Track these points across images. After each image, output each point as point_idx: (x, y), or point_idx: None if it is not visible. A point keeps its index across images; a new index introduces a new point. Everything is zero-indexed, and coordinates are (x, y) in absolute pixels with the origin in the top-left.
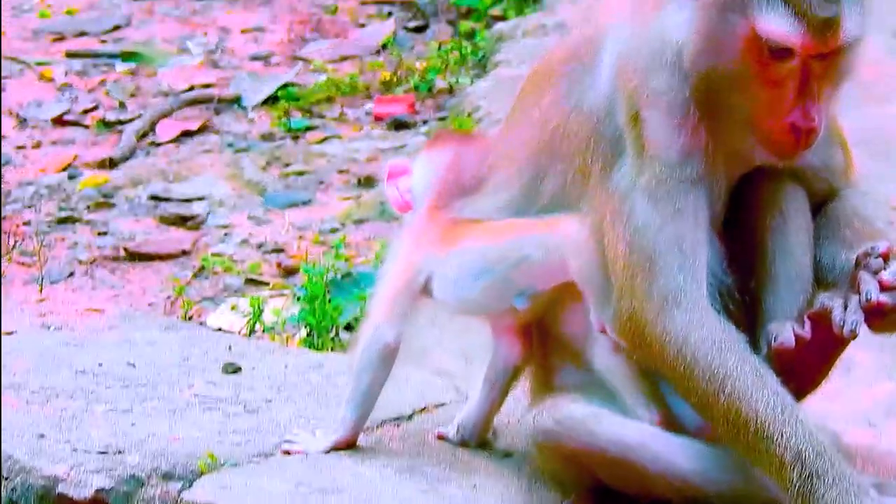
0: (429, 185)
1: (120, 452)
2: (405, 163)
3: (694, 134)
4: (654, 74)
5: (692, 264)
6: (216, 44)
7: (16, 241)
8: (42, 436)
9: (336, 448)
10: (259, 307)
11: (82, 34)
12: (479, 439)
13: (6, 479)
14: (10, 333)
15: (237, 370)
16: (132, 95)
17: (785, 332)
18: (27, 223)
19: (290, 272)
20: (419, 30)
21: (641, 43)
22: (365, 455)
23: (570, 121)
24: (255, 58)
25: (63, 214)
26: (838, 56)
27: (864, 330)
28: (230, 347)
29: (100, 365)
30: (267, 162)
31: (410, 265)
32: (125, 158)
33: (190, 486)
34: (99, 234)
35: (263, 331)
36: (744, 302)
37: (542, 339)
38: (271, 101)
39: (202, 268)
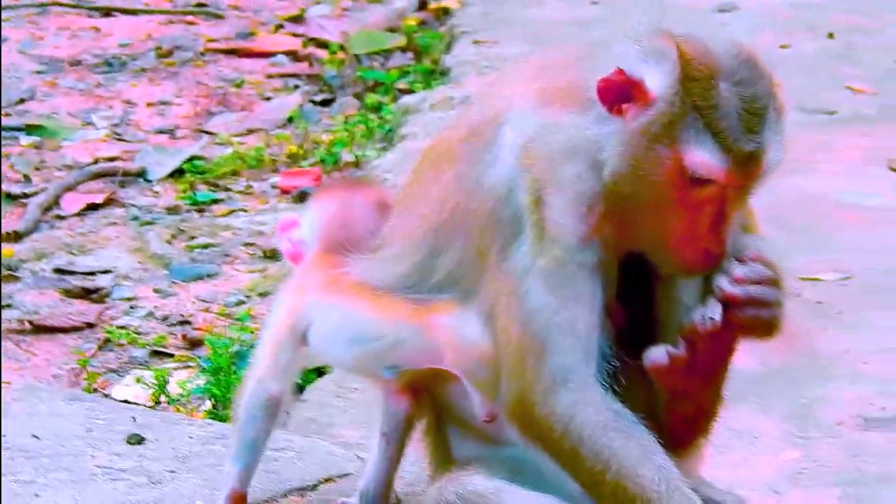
0: (316, 234)
1: None
2: (295, 216)
3: (597, 224)
4: (563, 164)
5: (584, 346)
6: (121, 117)
7: None
8: None
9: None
10: (164, 379)
11: None
12: (383, 492)
13: None
14: None
15: (141, 441)
16: (37, 169)
17: (657, 351)
18: None
19: (195, 344)
20: (326, 103)
21: (551, 133)
22: None
23: (469, 199)
24: (160, 131)
25: None
26: (756, 183)
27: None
28: (134, 419)
29: (3, 437)
30: (172, 235)
31: (294, 310)
32: (29, 232)
33: None
34: (4, 306)
35: (168, 402)
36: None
37: (433, 407)
38: (177, 174)
39: (107, 340)
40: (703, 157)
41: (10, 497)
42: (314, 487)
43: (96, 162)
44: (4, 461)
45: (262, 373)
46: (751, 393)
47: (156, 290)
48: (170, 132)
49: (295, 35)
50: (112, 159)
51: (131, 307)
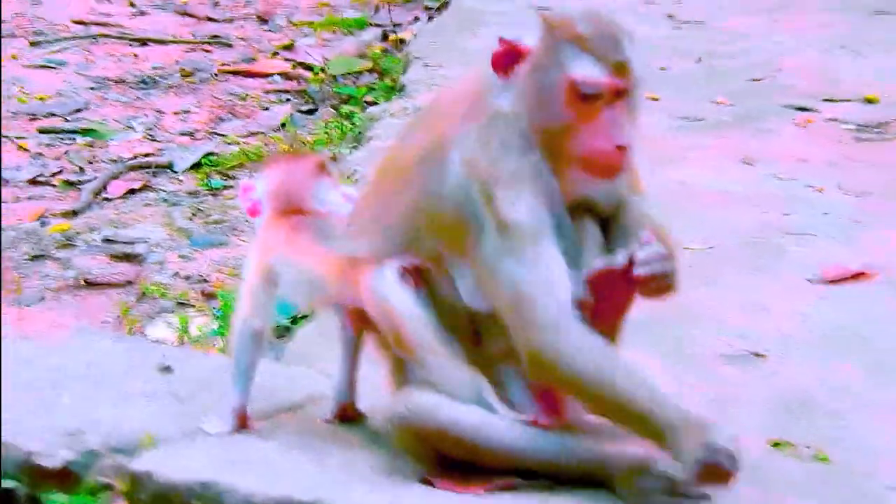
0: (267, 195)
1: (81, 433)
2: (252, 181)
3: (544, 193)
4: (497, 163)
5: (559, 298)
6: (153, 123)
7: None
8: (21, 421)
9: (235, 417)
10: (186, 323)
11: (51, 115)
12: (349, 399)
13: None
14: None
15: (169, 370)
16: (89, 162)
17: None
18: (10, 259)
19: (210, 297)
20: (310, 112)
21: (480, 142)
22: (265, 435)
23: (436, 208)
24: (183, 133)
25: (36, 253)
26: (631, 91)
27: None
28: (164, 354)
29: (65, 367)
30: (193, 213)
31: (263, 264)
32: (83, 210)
33: (134, 457)
34: (64, 268)
35: (190, 341)
36: None
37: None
38: (196, 166)
39: (143, 294)
40: (586, 71)
41: (71, 412)
42: (301, 407)
43: (135, 157)
44: (68, 386)
45: (245, 313)
46: (636, 335)
47: (180, 256)
48: (190, 134)
49: (286, 60)
50: (147, 155)
51: (161, 268)
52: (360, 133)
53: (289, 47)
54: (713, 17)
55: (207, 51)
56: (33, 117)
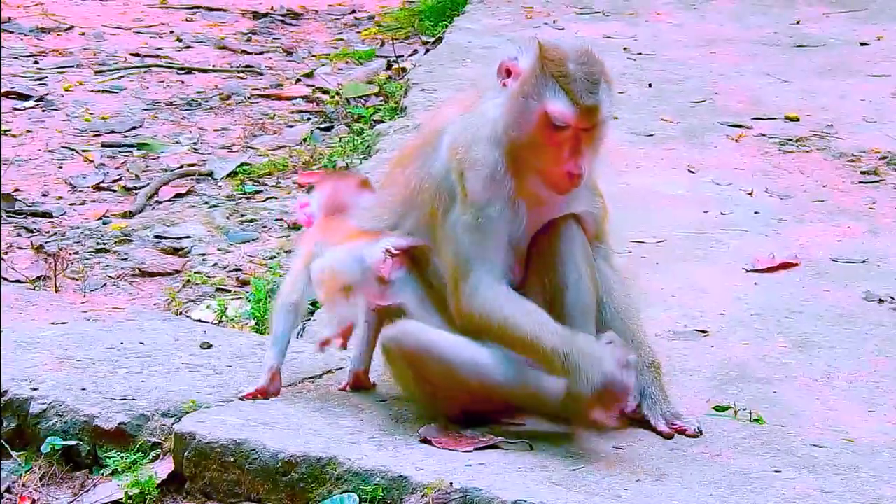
0: (319, 206)
1: (134, 399)
2: (307, 197)
3: (500, 185)
4: (473, 151)
5: (492, 267)
6: (197, 138)
7: (67, 264)
8: (84, 389)
9: (269, 374)
10: (224, 306)
11: (112, 132)
12: (363, 367)
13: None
14: (64, 323)
15: (210, 346)
16: (143, 171)
17: None
18: (76, 252)
19: (244, 283)
20: (327, 129)
21: (465, 133)
22: (290, 400)
23: (423, 182)
24: (222, 147)
25: (98, 247)
26: (597, 129)
27: None
28: (205, 332)
29: (121, 343)
30: (230, 214)
31: (306, 253)
32: (139, 211)
33: (179, 420)
34: (122, 259)
35: (227, 321)
36: None
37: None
38: (233, 174)
39: (188, 281)
40: (559, 109)
41: (125, 381)
42: (320, 376)
43: (181, 167)
44: (123, 359)
45: (286, 290)
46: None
47: (219, 249)
48: (228, 147)
49: (308, 86)
50: (192, 165)
51: (203, 260)
52: (368, 146)
53: (309, 75)
54: (662, 50)
55: (242, 78)
56: (97, 134)
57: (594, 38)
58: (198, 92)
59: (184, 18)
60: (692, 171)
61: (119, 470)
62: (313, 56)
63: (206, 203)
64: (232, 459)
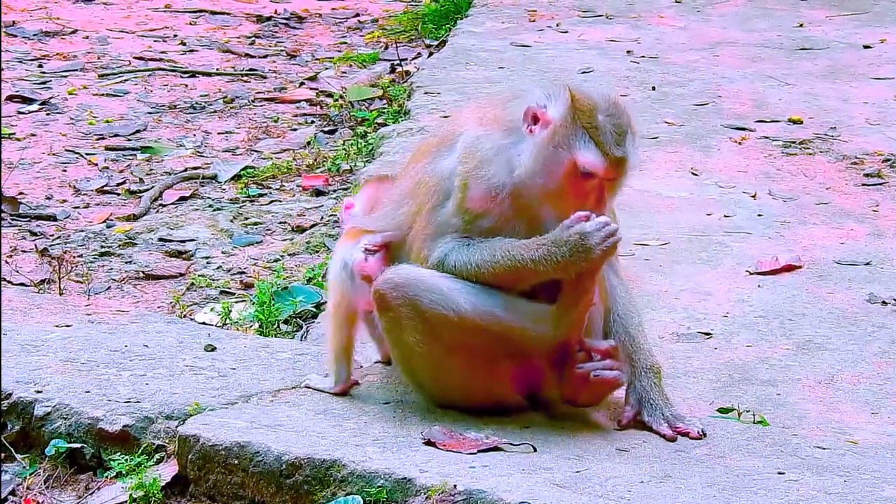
0: (362, 207)
1: (138, 402)
2: (352, 199)
3: (499, 205)
4: (483, 166)
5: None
6: (201, 141)
7: (72, 267)
8: (88, 391)
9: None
10: (228, 309)
11: (116, 135)
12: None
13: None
14: (68, 326)
15: (213, 349)
16: (147, 174)
17: None
18: (80, 256)
19: (248, 286)
20: (331, 132)
21: (480, 144)
22: (294, 403)
23: (426, 178)
24: (226, 150)
25: (103, 250)
26: (622, 178)
27: None
28: (209, 335)
29: (126, 346)
30: (234, 216)
31: (338, 258)
32: (143, 214)
33: (183, 423)
34: (126, 262)
35: (231, 324)
36: None
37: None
38: (237, 177)
39: (192, 284)
40: (589, 159)
41: (130, 384)
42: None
43: (185, 170)
44: (128, 361)
45: (335, 301)
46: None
47: (223, 252)
48: (232, 151)
49: (311, 89)
50: (195, 168)
51: (207, 263)
52: (372, 149)
53: (313, 79)
54: (665, 53)
55: (246, 81)
56: (101, 137)
57: (598, 42)
58: (201, 95)
59: (187, 22)
60: (695, 174)
61: (123, 472)
62: (317, 59)
63: (210, 206)
64: (236, 462)
